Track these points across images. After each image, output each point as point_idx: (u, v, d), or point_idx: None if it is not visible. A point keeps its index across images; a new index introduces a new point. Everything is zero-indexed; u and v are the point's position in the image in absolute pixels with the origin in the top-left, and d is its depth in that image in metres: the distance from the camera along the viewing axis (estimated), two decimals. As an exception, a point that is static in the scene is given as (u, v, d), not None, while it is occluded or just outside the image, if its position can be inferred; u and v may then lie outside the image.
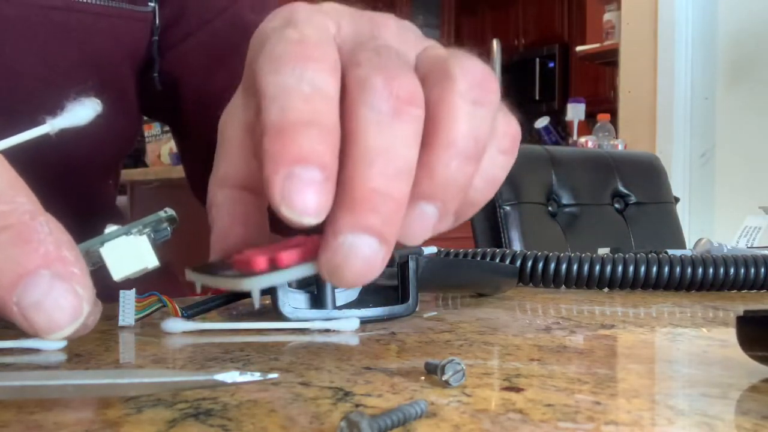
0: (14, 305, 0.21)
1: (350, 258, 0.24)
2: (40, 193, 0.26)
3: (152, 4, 0.52)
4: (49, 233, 0.22)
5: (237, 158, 0.29)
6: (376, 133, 0.24)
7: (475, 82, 0.26)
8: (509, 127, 0.30)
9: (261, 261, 0.25)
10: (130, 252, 0.27)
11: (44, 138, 0.36)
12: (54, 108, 0.36)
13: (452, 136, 0.26)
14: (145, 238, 0.27)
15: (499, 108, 0.28)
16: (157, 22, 0.53)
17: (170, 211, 0.28)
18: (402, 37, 0.29)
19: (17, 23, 0.46)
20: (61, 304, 0.22)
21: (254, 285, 0.24)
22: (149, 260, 0.27)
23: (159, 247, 0.28)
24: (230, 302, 0.42)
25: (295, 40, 0.26)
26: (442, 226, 0.27)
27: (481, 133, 0.26)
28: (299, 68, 0.25)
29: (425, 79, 0.27)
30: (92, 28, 0.49)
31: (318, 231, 0.25)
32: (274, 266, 0.25)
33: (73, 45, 0.48)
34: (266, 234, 0.30)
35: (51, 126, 0.29)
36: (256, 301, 0.25)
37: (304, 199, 0.23)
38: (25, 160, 0.35)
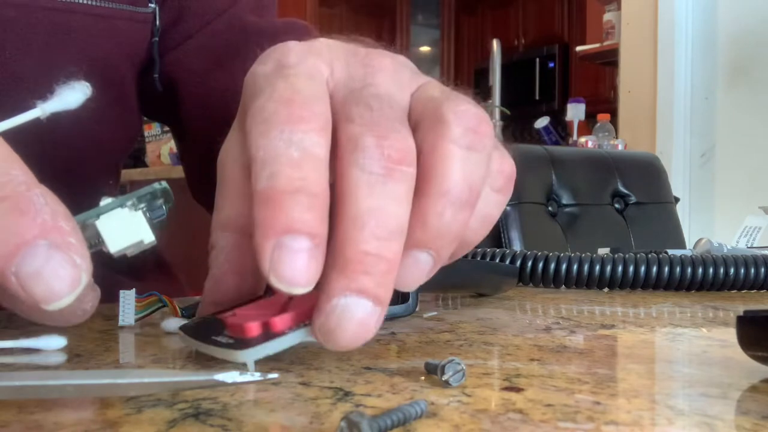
0: (12, 276, 0.21)
1: (344, 321, 0.24)
2: None
3: (152, 6, 0.52)
4: (45, 204, 0.22)
5: (237, 200, 0.29)
6: (367, 195, 0.24)
7: (469, 128, 0.26)
8: (504, 164, 0.30)
9: (254, 328, 0.25)
10: (126, 225, 0.26)
11: (46, 139, 0.36)
12: (54, 113, 0.36)
13: (446, 185, 0.25)
14: (140, 213, 0.26)
15: (494, 147, 0.28)
16: (158, 23, 0.53)
17: (164, 184, 0.28)
18: (396, 77, 0.28)
19: (18, 25, 0.46)
20: (59, 273, 0.21)
21: (248, 358, 0.25)
22: (145, 235, 0.26)
23: (156, 228, 0.27)
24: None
25: (285, 99, 0.25)
26: (437, 268, 0.27)
27: (475, 179, 0.26)
28: (288, 131, 0.25)
29: (418, 124, 0.26)
30: (93, 30, 0.49)
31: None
32: (267, 332, 0.25)
33: (75, 47, 0.48)
34: (263, 281, 0.29)
35: (42, 110, 0.28)
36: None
37: (293, 270, 0.23)
38: (24, 160, 0.34)
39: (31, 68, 0.46)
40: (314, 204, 0.24)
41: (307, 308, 0.26)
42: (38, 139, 0.36)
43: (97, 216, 0.25)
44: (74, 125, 0.36)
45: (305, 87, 0.26)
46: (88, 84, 0.28)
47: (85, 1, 0.48)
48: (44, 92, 0.46)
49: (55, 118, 0.31)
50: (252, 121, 0.26)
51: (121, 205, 0.26)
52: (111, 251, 0.25)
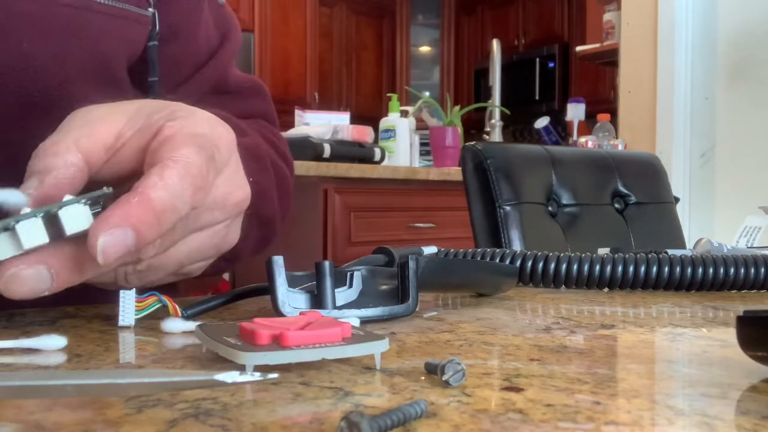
0: None
1: None
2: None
3: (151, 10, 0.53)
4: None
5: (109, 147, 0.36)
6: None
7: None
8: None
9: (264, 336, 0.27)
10: (81, 217, 0.32)
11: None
12: (66, 109, 0.38)
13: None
14: (89, 209, 0.32)
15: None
16: (157, 27, 0.54)
17: (110, 190, 0.34)
18: None
19: (34, 19, 0.47)
20: None
21: (249, 360, 0.25)
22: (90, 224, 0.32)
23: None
24: (230, 302, 0.42)
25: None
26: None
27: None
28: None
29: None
30: (103, 28, 0.50)
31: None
32: (276, 343, 0.26)
33: (86, 44, 0.49)
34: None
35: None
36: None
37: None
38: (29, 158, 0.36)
39: (46, 62, 0.47)
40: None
41: (322, 333, 0.27)
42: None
43: (59, 207, 0.32)
44: None
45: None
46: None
47: (99, 0, 0.49)
48: (58, 89, 0.48)
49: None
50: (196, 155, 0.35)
51: (78, 202, 0.32)
52: (67, 234, 0.32)
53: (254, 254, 0.56)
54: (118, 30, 0.51)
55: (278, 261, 0.37)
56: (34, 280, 0.32)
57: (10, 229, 0.31)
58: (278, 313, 0.36)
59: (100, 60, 0.50)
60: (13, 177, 0.35)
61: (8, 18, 0.46)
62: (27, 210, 0.32)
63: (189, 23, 0.57)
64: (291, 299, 0.37)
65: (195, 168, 0.34)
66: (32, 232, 0.31)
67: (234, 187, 0.39)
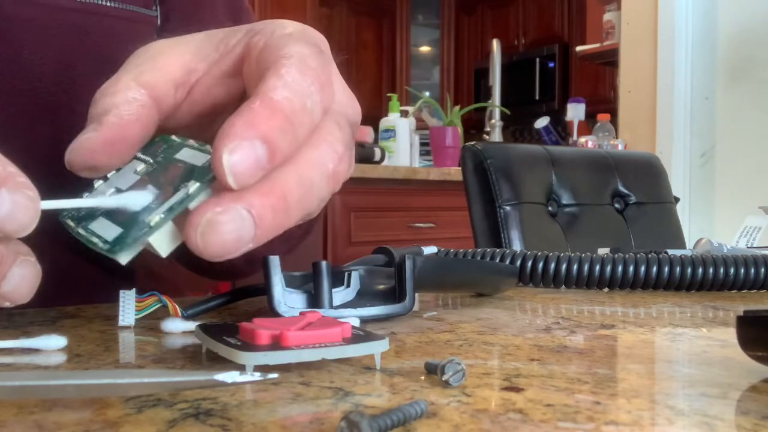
0: None
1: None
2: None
3: (155, 10, 0.53)
4: None
5: (175, 80, 0.32)
6: None
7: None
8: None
9: (264, 336, 0.27)
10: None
11: (57, 141, 0.36)
12: (72, 115, 0.37)
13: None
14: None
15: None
16: (158, 23, 0.53)
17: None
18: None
19: (36, 26, 0.46)
20: (23, 206, 0.25)
21: (249, 360, 0.25)
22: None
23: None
24: (230, 302, 0.42)
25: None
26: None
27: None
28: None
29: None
30: (110, 32, 0.49)
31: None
32: (276, 343, 0.26)
33: (93, 48, 0.48)
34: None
35: (101, 202, 0.30)
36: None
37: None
38: (37, 162, 0.35)
39: (49, 69, 0.46)
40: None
41: (322, 333, 0.27)
42: (50, 140, 0.36)
43: (184, 201, 0.27)
44: None
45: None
46: (156, 191, 0.29)
47: (103, 2, 0.48)
48: (62, 96, 0.46)
49: (74, 129, 0.32)
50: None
51: (203, 185, 0.27)
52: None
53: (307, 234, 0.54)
54: (125, 32, 0.50)
55: (274, 261, 0.37)
56: (235, 225, 0.25)
57: (131, 241, 0.27)
58: (274, 313, 0.36)
59: (105, 65, 0.49)
60: None
61: (9, 26, 0.45)
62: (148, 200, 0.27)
63: (194, 11, 0.56)
64: (287, 299, 0.37)
65: (313, 60, 0.29)
66: (164, 240, 0.27)
67: (347, 95, 0.32)
